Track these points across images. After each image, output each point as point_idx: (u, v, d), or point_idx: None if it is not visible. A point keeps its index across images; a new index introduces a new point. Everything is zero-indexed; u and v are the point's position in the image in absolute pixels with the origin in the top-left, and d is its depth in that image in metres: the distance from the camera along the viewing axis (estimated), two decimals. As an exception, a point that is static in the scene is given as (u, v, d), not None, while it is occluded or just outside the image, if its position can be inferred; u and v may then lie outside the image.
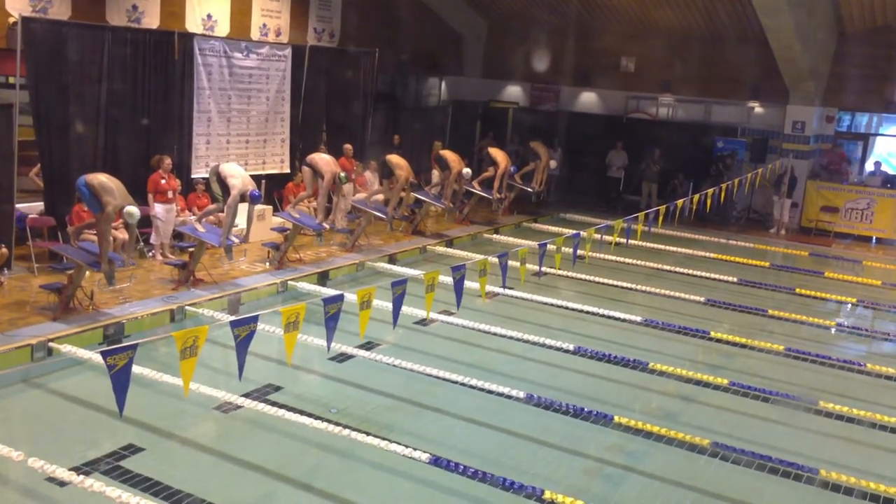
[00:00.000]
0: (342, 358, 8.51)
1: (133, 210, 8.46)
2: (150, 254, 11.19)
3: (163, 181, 10.92)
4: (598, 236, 10.52)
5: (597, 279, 11.88)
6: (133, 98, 11.39)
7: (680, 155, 18.21)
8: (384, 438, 6.44)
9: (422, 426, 7.27)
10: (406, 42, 17.68)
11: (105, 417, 6.87)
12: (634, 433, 7.18)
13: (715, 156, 18.34)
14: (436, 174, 15.28)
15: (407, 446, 6.23)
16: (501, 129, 20.06)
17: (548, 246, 9.11)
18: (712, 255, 13.55)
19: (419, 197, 14.28)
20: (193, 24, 12.68)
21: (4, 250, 9.22)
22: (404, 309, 6.80)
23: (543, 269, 10.58)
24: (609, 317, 10.21)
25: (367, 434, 6.47)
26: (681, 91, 18.90)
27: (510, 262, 8.25)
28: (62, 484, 5.68)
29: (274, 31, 14.30)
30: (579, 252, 10.05)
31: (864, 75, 16.99)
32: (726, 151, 18.32)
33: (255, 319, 5.47)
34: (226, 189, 9.94)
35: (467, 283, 7.73)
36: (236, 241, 10.10)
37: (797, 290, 12.26)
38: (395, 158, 13.25)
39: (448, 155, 14.55)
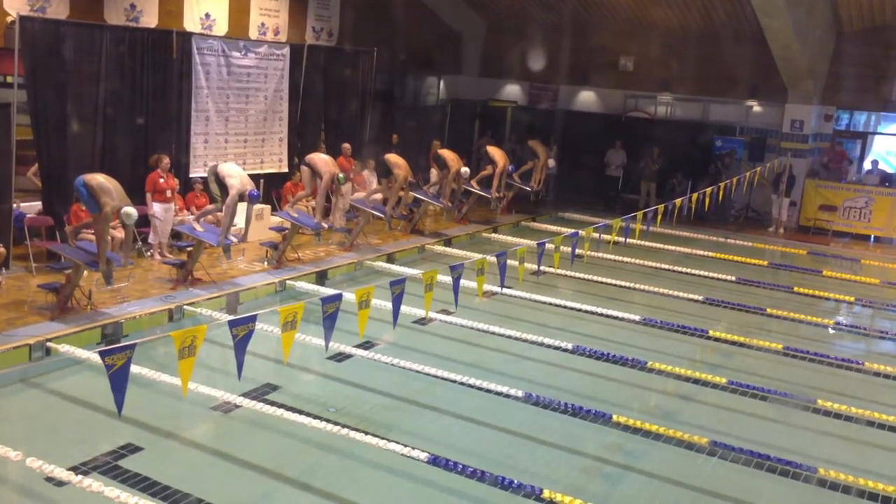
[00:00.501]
0: (341, 357, 8.51)
1: (131, 211, 8.45)
2: (149, 253, 11.19)
3: (161, 180, 10.91)
4: (596, 235, 10.53)
5: (595, 278, 11.88)
6: (131, 97, 11.38)
7: (678, 154, 18.21)
8: (383, 438, 6.44)
9: (420, 425, 7.27)
10: (404, 41, 17.67)
11: (103, 417, 6.86)
12: (633, 432, 7.19)
13: (713, 154, 18.35)
14: (434, 173, 15.28)
15: (405, 445, 6.24)
16: (500, 128, 20.04)
17: (546, 245, 9.11)
18: (711, 253, 13.56)
19: (418, 196, 14.27)
20: (192, 24, 12.67)
21: (2, 250, 9.21)
22: (403, 308, 6.80)
23: (542, 268, 10.61)
24: (607, 316, 10.21)
25: (366, 433, 6.47)
26: (679, 90, 18.90)
27: (509, 262, 8.25)
28: (60, 484, 5.68)
29: (272, 30, 14.28)
30: (578, 251, 10.05)
31: (862, 74, 17.00)
32: (725, 150, 18.33)
33: (253, 319, 5.47)
34: (224, 189, 9.94)
35: (466, 283, 7.74)
36: (234, 240, 10.10)
37: (795, 289, 12.27)
38: (393, 157, 13.24)
39: (446, 154, 14.54)
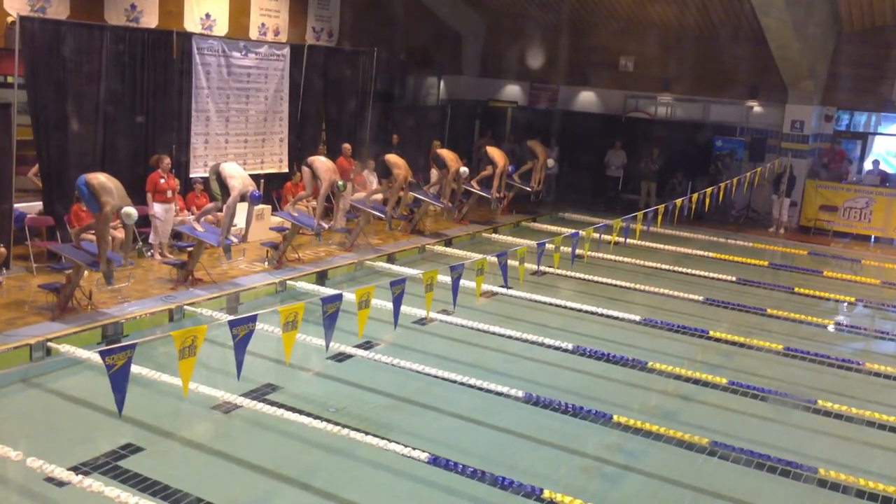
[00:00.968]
0: (341, 357, 8.52)
1: (131, 211, 8.45)
2: (149, 253, 11.19)
3: (162, 180, 10.92)
4: (596, 235, 10.53)
5: (595, 278, 11.88)
6: (131, 97, 11.38)
7: (679, 154, 18.21)
8: (383, 438, 6.44)
9: (420, 425, 7.27)
10: (404, 41, 17.67)
11: (104, 417, 6.87)
12: (633, 432, 7.19)
13: (714, 155, 18.36)
14: (434, 173, 15.27)
15: (406, 445, 6.24)
16: (500, 129, 20.05)
17: (546, 245, 9.11)
18: (711, 254, 13.56)
19: (418, 196, 14.28)
20: (192, 24, 12.67)
21: (3, 250, 9.21)
22: (403, 308, 6.80)
23: (542, 268, 10.62)
24: (608, 316, 10.21)
25: (366, 433, 6.47)
26: (679, 90, 18.90)
27: (509, 262, 8.25)
28: (61, 484, 5.68)
29: (272, 30, 14.29)
30: (578, 251, 10.05)
31: (862, 74, 16.99)
32: (725, 150, 18.33)
33: (253, 319, 5.47)
34: (225, 189, 9.94)
35: (467, 283, 7.74)
36: (235, 240, 10.10)
37: (796, 290, 12.26)
38: (392, 158, 13.25)
39: (445, 154, 14.54)
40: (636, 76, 19.23)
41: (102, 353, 4.77)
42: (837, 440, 7.58)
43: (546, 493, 5.76)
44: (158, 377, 7.04)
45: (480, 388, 7.67)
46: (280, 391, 7.70)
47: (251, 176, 10.67)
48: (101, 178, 8.61)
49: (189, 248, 10.39)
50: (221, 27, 13.23)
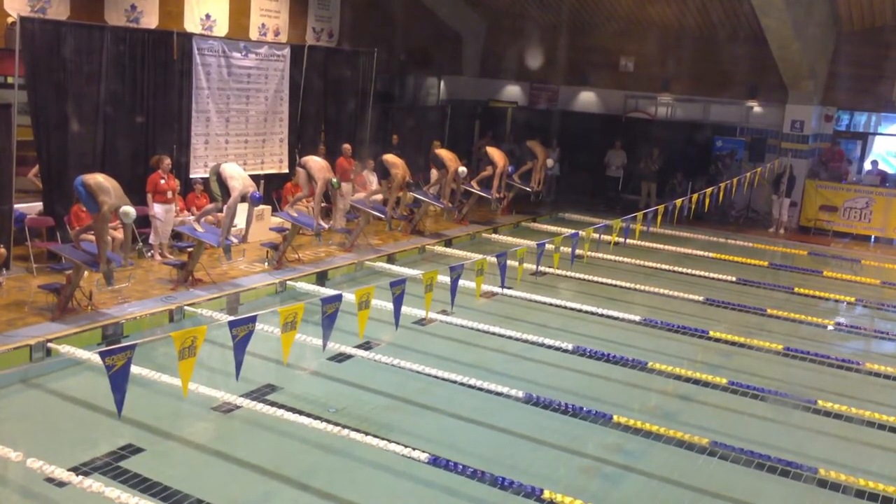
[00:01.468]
0: (341, 358, 8.52)
1: (129, 210, 8.45)
2: (149, 254, 11.19)
3: (162, 181, 10.92)
4: (596, 236, 10.53)
5: (595, 279, 11.88)
6: (132, 98, 11.38)
7: (679, 154, 18.21)
8: (383, 438, 6.44)
9: (420, 426, 7.27)
10: (404, 41, 17.68)
11: (104, 418, 6.87)
12: (633, 432, 7.19)
13: (714, 155, 18.36)
14: (434, 173, 15.27)
15: (406, 446, 6.24)
16: (500, 129, 20.06)
17: (546, 245, 9.11)
18: (711, 254, 13.56)
19: (418, 196, 14.28)
20: (192, 24, 12.67)
21: (3, 250, 9.22)
22: (403, 308, 6.80)
23: (542, 268, 10.61)
24: (608, 316, 10.21)
25: (366, 434, 6.48)
26: (679, 90, 18.91)
27: (509, 262, 8.25)
28: (61, 484, 5.68)
29: (272, 30, 14.29)
30: (578, 251, 10.05)
31: (862, 74, 17.00)
32: (725, 151, 18.33)
33: (253, 319, 5.47)
34: (225, 190, 9.94)
35: (466, 283, 7.74)
36: (235, 241, 10.10)
37: (796, 290, 12.26)
38: (390, 158, 13.25)
39: (444, 154, 14.54)
40: (636, 76, 19.24)
41: (102, 354, 4.77)
42: (837, 440, 7.58)
43: (546, 494, 5.76)
44: (158, 378, 7.04)
45: (480, 389, 7.67)
46: (280, 392, 7.71)
47: (251, 176, 10.68)
48: (98, 178, 8.61)
49: (189, 249, 10.39)
50: (221, 28, 13.24)
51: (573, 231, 10.05)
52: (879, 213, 16.97)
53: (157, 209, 10.92)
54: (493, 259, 8.12)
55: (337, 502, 5.96)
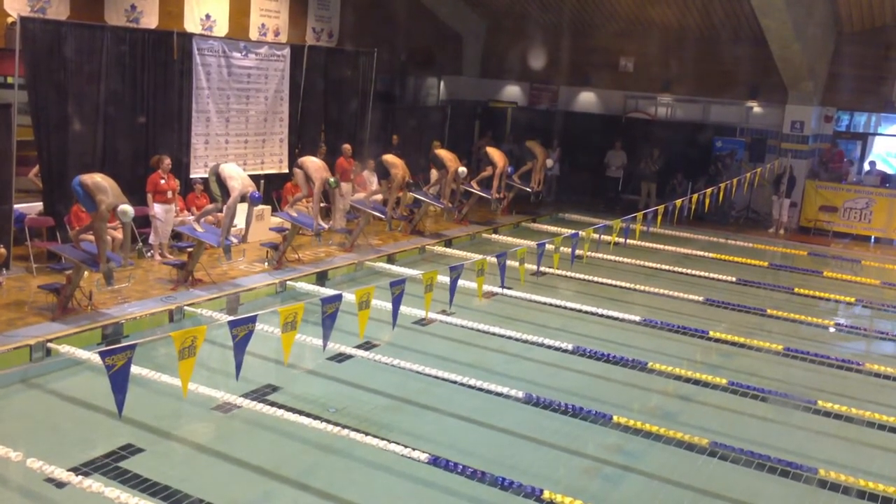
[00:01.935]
0: (341, 358, 8.51)
1: (126, 208, 8.45)
2: (149, 254, 11.19)
3: (162, 181, 10.92)
4: (596, 236, 10.53)
5: (595, 279, 11.88)
6: (132, 98, 11.38)
7: (679, 155, 18.22)
8: (383, 438, 6.44)
9: (420, 426, 7.27)
10: (404, 42, 17.68)
11: (104, 418, 6.87)
12: (633, 433, 7.19)
13: (713, 155, 18.36)
14: (434, 174, 15.26)
15: (405, 446, 6.24)
16: (500, 129, 20.06)
17: (546, 246, 9.11)
18: (711, 254, 13.56)
19: (418, 197, 14.28)
20: (192, 24, 12.67)
21: (3, 250, 9.21)
22: (403, 309, 6.80)
23: (542, 268, 10.60)
24: (608, 316, 10.21)
25: (366, 434, 6.47)
26: (679, 91, 18.91)
27: (509, 262, 8.25)
28: (61, 484, 5.68)
29: (272, 30, 14.29)
30: (577, 252, 10.05)
31: (862, 75, 17.00)
32: (725, 151, 18.33)
33: (253, 319, 5.47)
34: (225, 190, 9.94)
35: (466, 283, 7.74)
36: (235, 241, 10.10)
37: (796, 290, 12.26)
38: (390, 158, 13.25)
39: (444, 154, 14.54)
40: (636, 77, 19.24)
41: (102, 354, 4.77)
42: (838, 441, 7.58)
43: (546, 494, 5.76)
44: (158, 378, 7.04)
45: (480, 389, 7.67)
46: (280, 392, 7.70)
47: (251, 176, 10.68)
48: (95, 178, 8.61)
49: (189, 249, 10.39)
50: (222, 28, 13.23)
51: (573, 231, 10.05)
52: (880, 213, 16.96)
53: (157, 209, 10.92)
54: (494, 259, 8.12)
55: (337, 502, 5.95)
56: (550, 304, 10.63)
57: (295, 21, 14.77)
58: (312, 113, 14.51)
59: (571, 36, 19.38)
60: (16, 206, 10.11)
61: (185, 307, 9.22)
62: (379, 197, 13.44)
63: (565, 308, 10.52)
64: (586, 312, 10.36)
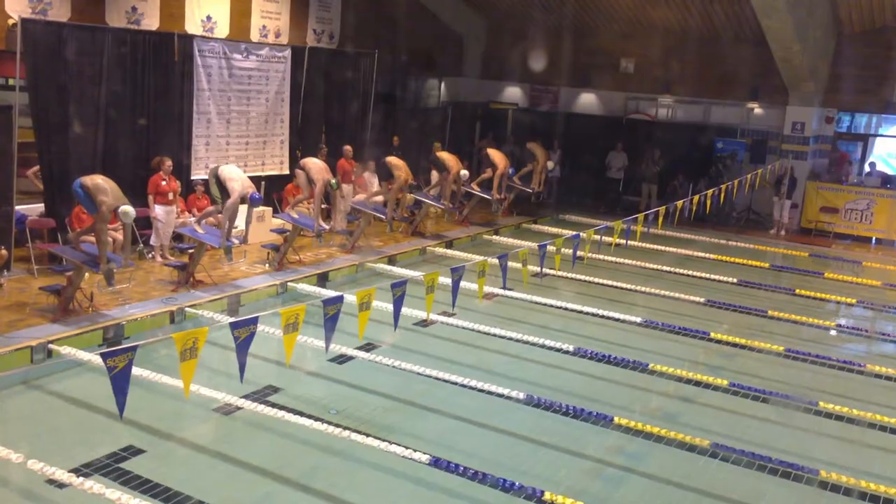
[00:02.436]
0: (342, 359, 8.51)
1: (128, 209, 8.46)
2: (150, 255, 11.19)
3: (163, 183, 10.93)
4: (597, 237, 10.53)
5: (596, 280, 11.88)
6: (132, 100, 11.39)
7: (679, 156, 18.22)
8: (384, 440, 6.44)
9: (421, 427, 7.27)
10: (405, 43, 17.67)
11: (105, 419, 6.87)
12: (634, 434, 7.19)
13: (714, 157, 18.35)
14: (435, 175, 15.26)
15: (406, 447, 6.24)
16: (501, 131, 20.07)
17: (547, 247, 9.11)
18: (712, 256, 13.55)
19: (418, 198, 14.28)
20: (193, 26, 12.68)
21: (4, 252, 9.22)
22: (404, 310, 6.80)
23: (545, 269, 10.60)
24: (609, 318, 10.21)
25: (367, 435, 6.47)
26: (680, 92, 18.91)
27: (510, 264, 8.25)
28: (62, 486, 5.68)
29: (273, 32, 14.30)
30: (579, 253, 10.05)
31: (863, 76, 16.99)
32: (726, 152, 18.33)
33: (254, 321, 5.47)
34: (225, 191, 9.94)
35: (467, 284, 7.74)
36: (236, 242, 10.10)
37: (797, 291, 12.25)
38: (394, 160, 13.25)
39: (445, 156, 14.55)
40: (637, 78, 19.24)
41: (104, 355, 4.77)
42: (839, 442, 7.57)
43: (547, 496, 5.76)
44: (160, 379, 7.04)
45: (481, 390, 7.66)
46: (281, 393, 7.70)
47: (252, 178, 10.69)
48: (96, 180, 8.63)
49: (190, 250, 10.40)
50: (222, 29, 13.24)
51: (574, 233, 10.05)
52: (881, 214, 16.95)
53: (158, 211, 10.93)
54: (495, 261, 8.12)
55: (337, 503, 5.96)
56: (551, 306, 10.62)
57: (296, 22, 14.78)
58: (313, 114, 14.52)
59: (572, 37, 19.38)
60: (17, 207, 10.12)
61: (187, 308, 9.23)
62: (380, 198, 13.45)
63: (566, 309, 10.52)
64: (587, 314, 10.36)
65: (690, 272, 12.46)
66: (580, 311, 10.41)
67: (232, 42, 12.92)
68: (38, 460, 5.59)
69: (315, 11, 15.23)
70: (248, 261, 11.40)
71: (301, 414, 6.89)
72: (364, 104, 15.46)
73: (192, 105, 12.22)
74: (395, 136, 16.34)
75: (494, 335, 9.32)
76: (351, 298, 6.33)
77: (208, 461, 6.46)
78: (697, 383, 8.47)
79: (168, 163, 11.06)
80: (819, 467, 6.65)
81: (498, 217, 16.33)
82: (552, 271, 10.88)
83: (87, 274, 8.89)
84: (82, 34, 10.68)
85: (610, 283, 11.75)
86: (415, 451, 6.17)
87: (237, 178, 9.94)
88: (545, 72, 19.92)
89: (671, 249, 13.84)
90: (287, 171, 13.92)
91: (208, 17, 12.99)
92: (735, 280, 12.37)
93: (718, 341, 9.76)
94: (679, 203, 12.79)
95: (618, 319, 10.15)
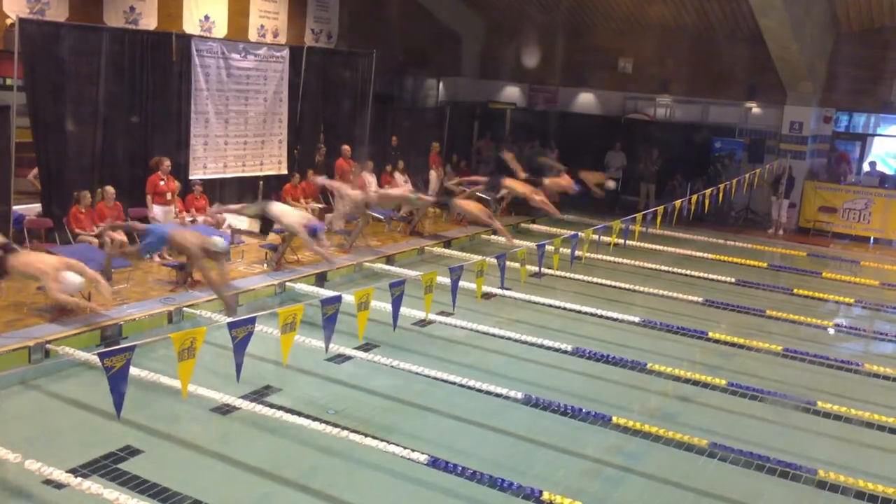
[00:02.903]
0: (340, 359, 8.51)
1: (217, 240, 8.80)
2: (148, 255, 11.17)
3: (161, 182, 10.92)
4: (595, 237, 10.53)
5: (595, 280, 11.88)
6: (130, 99, 11.39)
7: (678, 155, 18.22)
8: (382, 440, 6.43)
9: (420, 427, 7.26)
10: (403, 43, 17.67)
11: (102, 419, 6.86)
12: (633, 434, 7.18)
13: (713, 156, 18.36)
14: (433, 175, 15.24)
15: (405, 447, 6.23)
16: (499, 130, 20.07)
17: (546, 247, 9.11)
18: (710, 255, 13.56)
19: (412, 199, 14.21)
20: (191, 26, 12.67)
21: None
22: (403, 310, 6.79)
23: (543, 269, 10.61)
24: (607, 317, 10.21)
25: (366, 435, 6.46)
26: (678, 92, 18.92)
27: (508, 263, 8.25)
28: (59, 486, 5.67)
29: (271, 32, 14.29)
30: (577, 252, 10.05)
31: (861, 75, 17.01)
32: (724, 152, 18.34)
33: (252, 321, 5.47)
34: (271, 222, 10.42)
35: (466, 284, 7.74)
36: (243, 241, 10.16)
37: (795, 291, 12.26)
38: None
39: (468, 204, 13.68)
40: (635, 78, 19.25)
41: (101, 355, 4.77)
42: (837, 441, 7.57)
43: (545, 495, 5.75)
44: (157, 379, 7.03)
45: (480, 390, 7.66)
46: (279, 393, 7.70)
47: (250, 178, 10.69)
48: (185, 237, 8.90)
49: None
50: (221, 29, 13.23)
51: (573, 232, 10.05)
52: (879, 214, 16.97)
53: (156, 211, 10.92)
54: (493, 260, 8.12)
55: (336, 504, 5.95)
56: (550, 306, 10.62)
57: (294, 22, 14.77)
58: (311, 114, 14.52)
59: (570, 37, 19.39)
60: (14, 207, 10.10)
61: (185, 308, 9.22)
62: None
63: (565, 309, 10.51)
64: (586, 313, 10.36)
65: (689, 272, 12.45)
66: (579, 311, 10.41)
67: (230, 42, 12.91)
68: (36, 460, 5.58)
69: (313, 11, 15.23)
70: (246, 261, 11.39)
71: (299, 414, 6.87)
72: (362, 104, 15.46)
73: (190, 105, 12.21)
74: (393, 136, 16.34)
75: (493, 335, 9.32)
76: (349, 298, 6.33)
77: (206, 461, 6.45)
78: (696, 383, 8.47)
79: (167, 163, 11.05)
80: (817, 467, 6.65)
81: (497, 217, 16.28)
82: (551, 271, 10.88)
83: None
84: (80, 34, 10.67)
85: (608, 282, 11.75)
86: (413, 450, 6.17)
87: (289, 214, 10.35)
88: (543, 71, 19.93)
89: (669, 249, 13.84)
90: (285, 171, 13.91)
91: (206, 17, 12.98)
92: (733, 280, 12.38)
93: (717, 341, 9.76)
94: (677, 203, 12.79)
95: (616, 319, 10.14)
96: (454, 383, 7.78)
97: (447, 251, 13.51)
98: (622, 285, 11.65)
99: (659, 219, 12.13)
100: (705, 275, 12.33)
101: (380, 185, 14.92)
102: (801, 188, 17.42)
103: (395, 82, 18.40)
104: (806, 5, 15.01)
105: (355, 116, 15.38)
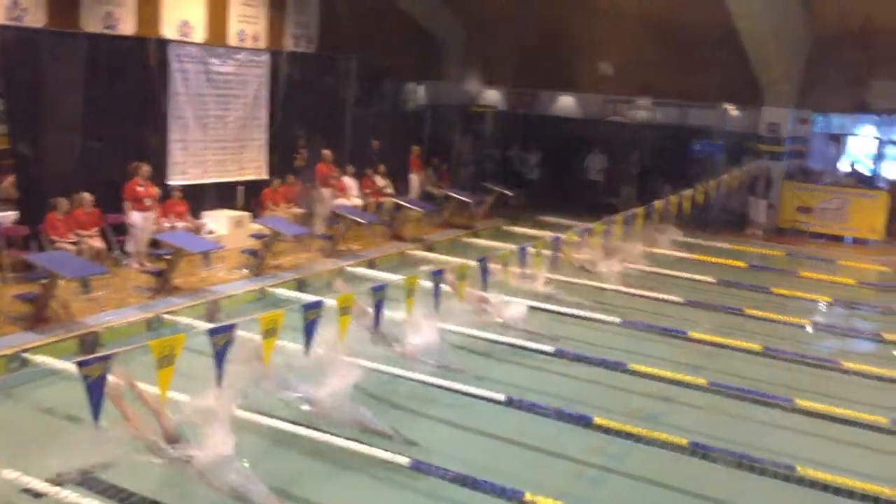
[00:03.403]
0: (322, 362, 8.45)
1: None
2: (126, 262, 11.08)
3: (140, 188, 10.84)
4: (577, 239, 10.58)
5: (576, 280, 11.91)
6: (109, 105, 11.28)
7: (658, 157, 18.36)
8: (364, 443, 6.41)
9: (402, 430, 7.23)
10: (384, 47, 17.65)
11: (81, 428, 6.76)
12: (615, 434, 7.20)
13: (692, 158, 18.51)
14: (414, 178, 15.27)
15: (387, 451, 6.21)
16: (481, 133, 20.13)
17: (527, 249, 9.14)
18: (691, 255, 13.65)
19: (398, 202, 14.27)
20: (170, 31, 12.58)
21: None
22: (385, 313, 6.77)
23: (524, 270, 10.64)
24: (588, 318, 10.24)
25: (348, 439, 6.44)
26: (657, 94, 19.05)
27: (491, 265, 8.26)
28: (38, 495, 5.60)
29: (251, 36, 14.23)
30: (558, 254, 10.08)
31: (838, 77, 17.20)
32: (703, 153, 18.49)
33: (232, 328, 5.44)
34: None
35: (447, 287, 7.74)
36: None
37: (773, 290, 12.36)
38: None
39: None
40: (615, 81, 19.34)
41: (79, 364, 4.72)
42: (817, 439, 7.64)
43: (527, 497, 5.76)
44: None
45: (462, 392, 7.65)
46: (260, 397, 7.63)
47: (229, 183, 10.63)
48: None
49: (167, 257, 10.31)
50: (200, 34, 13.15)
51: (554, 235, 10.08)
52: (854, 213, 17.17)
53: (135, 217, 10.83)
54: (475, 263, 8.13)
55: (319, 509, 5.92)
56: (531, 307, 10.62)
57: (274, 27, 14.71)
58: (292, 119, 14.47)
59: (550, 41, 19.45)
60: None
61: (164, 315, 9.15)
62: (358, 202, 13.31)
63: (546, 310, 10.53)
64: (566, 314, 10.38)
65: (669, 272, 12.52)
66: (559, 312, 10.43)
67: (209, 47, 12.84)
68: (14, 470, 5.51)
69: (293, 16, 15.18)
70: (226, 266, 11.33)
71: (280, 419, 6.83)
72: (343, 108, 15.44)
73: (169, 110, 12.13)
74: (375, 140, 16.32)
75: (475, 337, 9.31)
76: (331, 303, 6.31)
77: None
78: (677, 383, 8.51)
79: (145, 168, 10.97)
80: (797, 464, 6.71)
81: (477, 219, 16.35)
82: (533, 272, 10.91)
83: (62, 281, 8.77)
84: (58, 40, 10.57)
85: (589, 283, 11.78)
86: (395, 454, 6.15)
87: None
88: (524, 75, 20.00)
89: (650, 250, 13.91)
90: (265, 176, 13.85)
91: (185, 22, 12.90)
92: (713, 280, 12.46)
93: (698, 341, 9.82)
94: (657, 204, 12.87)
95: (597, 320, 10.18)
96: (437, 386, 7.77)
97: (429, 254, 13.49)
98: (604, 286, 11.68)
99: (640, 220, 12.19)
100: (686, 275, 12.40)
101: (360, 188, 14.93)
102: (778, 189, 17.59)
103: (376, 87, 18.39)
104: (783, 8, 15.18)
105: (336, 121, 15.35)
